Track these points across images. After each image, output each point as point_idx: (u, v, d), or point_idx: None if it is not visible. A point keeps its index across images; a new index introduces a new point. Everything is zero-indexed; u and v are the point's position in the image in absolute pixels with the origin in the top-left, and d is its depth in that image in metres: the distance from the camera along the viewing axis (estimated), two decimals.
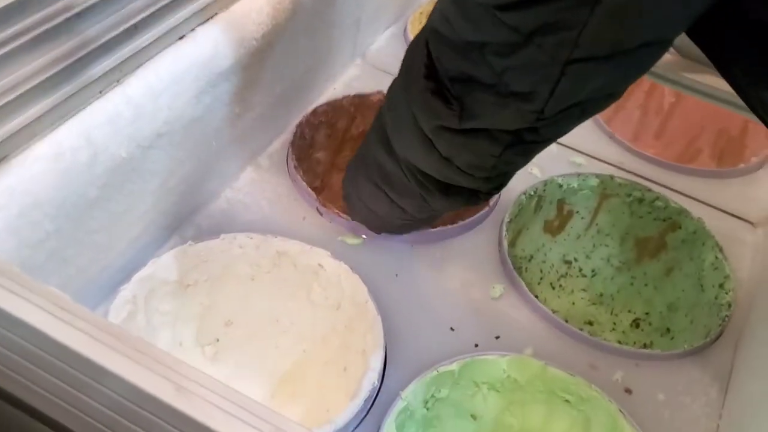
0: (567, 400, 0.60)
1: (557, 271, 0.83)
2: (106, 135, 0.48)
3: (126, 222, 0.56)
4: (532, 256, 0.82)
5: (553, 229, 0.82)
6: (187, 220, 0.65)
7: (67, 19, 0.46)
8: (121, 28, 0.50)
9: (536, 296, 0.80)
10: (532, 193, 0.75)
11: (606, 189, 0.78)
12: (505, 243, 0.70)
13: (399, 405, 0.55)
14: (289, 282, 0.66)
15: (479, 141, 0.46)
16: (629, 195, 0.77)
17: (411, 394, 0.56)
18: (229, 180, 0.69)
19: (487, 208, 0.73)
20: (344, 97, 0.79)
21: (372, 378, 0.56)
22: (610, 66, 0.39)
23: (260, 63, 0.63)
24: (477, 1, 0.40)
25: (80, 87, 0.48)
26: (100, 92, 0.50)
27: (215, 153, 0.64)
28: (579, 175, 0.77)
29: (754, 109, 0.45)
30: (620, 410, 0.57)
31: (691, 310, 0.73)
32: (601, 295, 0.82)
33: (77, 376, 0.29)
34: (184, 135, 0.57)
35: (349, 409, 0.54)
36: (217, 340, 0.67)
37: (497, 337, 0.62)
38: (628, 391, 0.60)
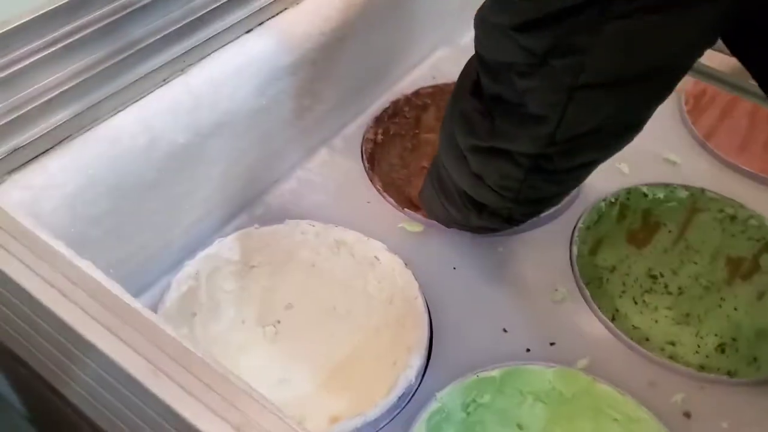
0: (615, 419, 0.57)
1: (641, 286, 0.79)
2: (165, 122, 0.51)
3: (188, 205, 0.59)
4: (614, 267, 0.78)
5: (638, 240, 0.78)
6: (256, 199, 0.68)
7: (132, 12, 0.49)
8: (186, 21, 0.53)
9: (617, 310, 0.77)
10: (613, 200, 0.72)
11: (696, 203, 0.73)
12: (575, 248, 0.67)
13: (433, 406, 0.55)
14: (347, 271, 0.67)
15: (504, 162, 0.47)
16: (721, 211, 0.72)
17: (447, 397, 0.56)
18: (301, 161, 0.71)
19: (565, 202, 0.70)
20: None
21: (409, 375, 0.56)
22: (618, 93, 0.37)
23: (330, 57, 0.64)
24: (493, 23, 0.40)
25: (142, 75, 0.51)
26: (164, 81, 0.53)
27: (284, 142, 0.66)
28: (667, 186, 0.73)
29: None
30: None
31: None
32: (688, 315, 0.77)
33: (67, 346, 0.32)
34: (246, 125, 0.59)
35: (380, 404, 0.54)
36: (278, 322, 0.69)
37: (552, 344, 0.60)
38: (687, 414, 0.57)
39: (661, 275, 0.78)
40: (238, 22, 0.56)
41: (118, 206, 0.51)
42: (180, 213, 0.59)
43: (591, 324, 0.62)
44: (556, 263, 0.66)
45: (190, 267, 0.62)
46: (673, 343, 0.76)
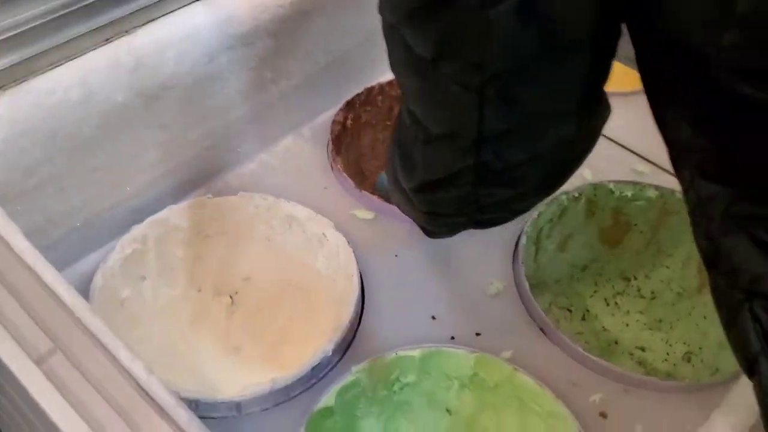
0: (537, 412, 0.55)
1: (614, 287, 0.76)
2: (102, 79, 0.53)
3: (135, 167, 0.61)
4: (586, 266, 0.76)
5: (611, 240, 0.75)
6: (217, 175, 0.69)
7: None
8: None
9: (587, 310, 0.75)
10: (577, 195, 0.70)
11: (666, 204, 0.70)
12: (524, 239, 0.66)
13: (347, 378, 0.55)
14: (300, 247, 0.68)
15: (446, 191, 0.45)
16: None
17: (363, 372, 0.55)
18: (268, 144, 0.72)
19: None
20: None
21: (327, 348, 0.56)
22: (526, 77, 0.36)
23: (293, 31, 0.65)
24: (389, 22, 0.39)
25: (83, 33, 0.53)
26: (106, 40, 0.54)
27: (248, 116, 0.67)
28: (636, 184, 0.70)
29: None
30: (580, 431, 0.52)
31: None
32: (660, 321, 0.74)
33: None
34: (197, 91, 0.60)
35: (293, 373, 0.54)
36: (236, 293, 0.70)
37: (478, 334, 0.59)
38: (603, 415, 0.55)
39: (635, 278, 0.76)
40: None
41: (52, 157, 0.53)
42: (126, 174, 0.61)
43: (522, 319, 0.61)
44: (500, 258, 0.65)
45: (136, 230, 0.63)
46: (642, 349, 0.73)
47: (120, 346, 0.33)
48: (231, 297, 0.70)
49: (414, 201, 0.49)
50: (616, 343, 0.73)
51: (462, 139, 0.39)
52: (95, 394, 0.30)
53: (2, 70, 0.50)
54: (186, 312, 0.68)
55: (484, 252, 0.65)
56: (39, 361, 0.30)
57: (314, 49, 0.68)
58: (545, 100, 0.39)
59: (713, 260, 0.35)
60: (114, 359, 0.32)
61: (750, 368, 0.32)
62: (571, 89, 0.40)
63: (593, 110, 0.43)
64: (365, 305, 0.61)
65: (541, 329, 0.61)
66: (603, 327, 0.75)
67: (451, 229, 0.55)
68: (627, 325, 0.75)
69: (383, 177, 0.71)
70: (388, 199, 0.66)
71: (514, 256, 0.66)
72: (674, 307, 0.74)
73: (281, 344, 0.66)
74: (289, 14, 0.63)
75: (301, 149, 0.73)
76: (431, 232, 0.58)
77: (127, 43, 0.55)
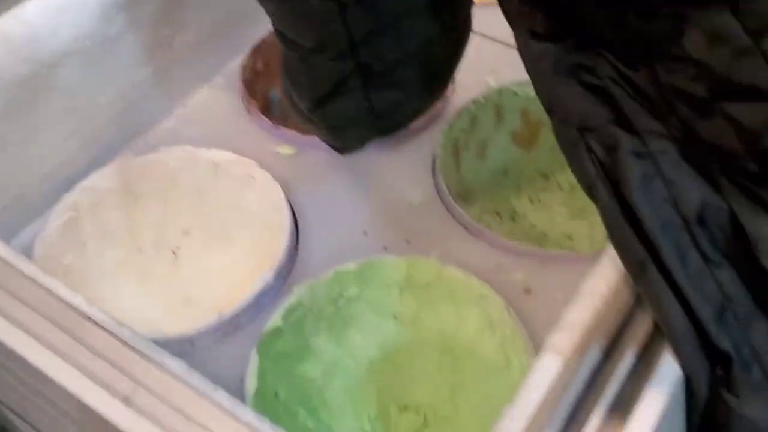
0: (467, 299, 0.60)
1: (535, 185, 0.81)
2: (1, 55, 0.54)
3: (55, 136, 0.62)
4: (506, 171, 0.80)
5: (524, 141, 0.80)
6: (137, 137, 0.71)
7: None
8: None
9: (515, 210, 0.80)
10: (483, 101, 0.74)
11: None
12: (439, 149, 0.69)
13: (289, 300, 0.58)
14: (231, 192, 0.70)
15: (340, 100, 0.48)
16: None
17: (305, 291, 0.59)
18: (181, 98, 0.73)
19: (428, 116, 0.72)
20: None
21: (266, 276, 0.59)
22: None
23: None
24: None
25: None
26: None
27: (156, 74, 0.69)
28: None
29: None
30: (507, 307, 0.56)
31: None
32: (582, 210, 0.79)
33: None
34: (99, 54, 0.61)
35: (237, 304, 0.58)
36: (178, 248, 0.72)
37: (408, 241, 0.63)
38: (527, 291, 0.60)
39: (552, 174, 0.80)
40: None
41: None
42: (47, 144, 0.62)
43: (447, 221, 0.65)
44: (421, 171, 0.69)
45: (68, 198, 0.65)
46: (570, 237, 0.78)
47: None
48: (174, 252, 0.72)
49: (314, 119, 0.52)
50: (545, 235, 0.78)
51: (334, 48, 0.43)
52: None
53: None
54: (131, 272, 0.70)
55: (405, 168, 0.69)
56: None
57: None
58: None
59: (550, 109, 0.39)
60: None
61: (590, 193, 0.37)
62: None
63: (449, 7, 0.47)
64: (299, 233, 0.64)
65: (466, 228, 0.65)
66: (531, 224, 0.80)
67: (359, 141, 0.59)
68: (552, 218, 0.80)
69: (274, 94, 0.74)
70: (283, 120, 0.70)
71: (433, 169, 0.70)
72: None
73: (228, 287, 0.69)
74: None
75: (216, 98, 0.75)
76: (341, 148, 0.61)
77: (16, 15, 0.55)
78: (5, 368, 0.40)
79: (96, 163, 0.68)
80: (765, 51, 0.31)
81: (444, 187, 0.67)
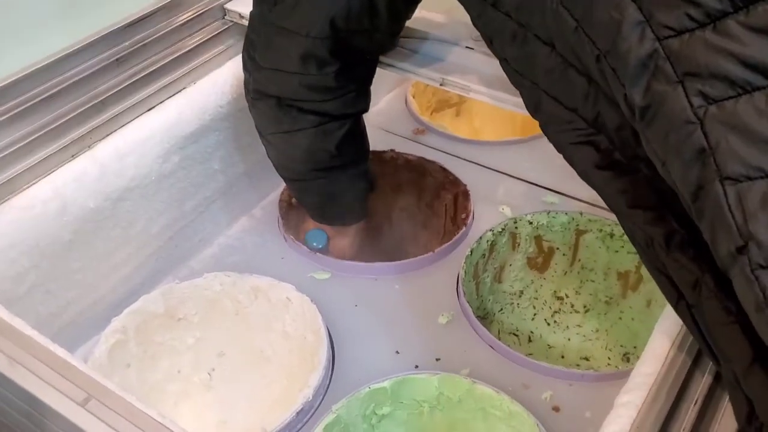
0: (499, 417, 0.63)
1: (550, 307, 0.85)
2: (74, 190, 0.61)
3: (111, 263, 0.67)
4: (522, 292, 0.85)
5: (539, 265, 0.85)
6: (181, 263, 0.76)
7: (44, 99, 0.59)
8: (90, 104, 0.62)
9: (531, 332, 0.84)
10: (501, 230, 0.80)
11: (578, 225, 0.81)
12: (462, 272, 0.74)
13: (328, 417, 0.61)
14: (267, 315, 0.75)
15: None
16: (601, 230, 0.80)
17: (343, 409, 0.62)
18: (223, 228, 0.79)
19: (450, 242, 0.78)
20: None
21: (307, 394, 0.63)
22: None
23: (235, 125, 0.74)
24: None
25: (51, 152, 0.60)
26: (72, 156, 0.62)
27: (203, 203, 0.75)
28: (549, 212, 0.80)
29: None
30: (538, 425, 0.59)
31: None
32: (597, 330, 0.83)
33: None
34: (156, 189, 0.68)
35: (279, 420, 0.61)
36: (213, 370, 0.76)
37: (438, 359, 0.67)
38: (556, 409, 0.63)
39: (567, 296, 0.85)
40: (140, 101, 0.66)
41: (38, 264, 0.60)
42: (104, 271, 0.67)
43: (473, 340, 0.69)
44: (444, 293, 0.74)
45: (116, 322, 0.69)
46: (587, 358, 0.82)
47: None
48: (209, 374, 0.76)
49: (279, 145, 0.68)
50: (563, 357, 0.82)
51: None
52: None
53: None
54: (170, 394, 0.73)
55: (431, 291, 0.74)
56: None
57: (254, 140, 0.77)
58: None
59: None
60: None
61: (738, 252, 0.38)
62: None
63: None
64: (335, 352, 0.68)
65: (491, 347, 0.69)
66: (548, 345, 0.84)
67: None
68: (569, 339, 0.84)
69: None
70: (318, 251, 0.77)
71: (457, 291, 0.75)
72: (606, 315, 0.83)
73: (264, 407, 0.72)
74: (229, 112, 0.72)
75: (254, 227, 0.81)
76: (324, 212, 0.74)
77: (91, 156, 0.62)
78: None
79: (144, 287, 0.72)
80: None
81: (468, 308, 0.72)
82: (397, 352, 0.68)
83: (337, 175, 0.70)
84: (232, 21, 0.73)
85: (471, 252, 0.77)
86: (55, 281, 0.62)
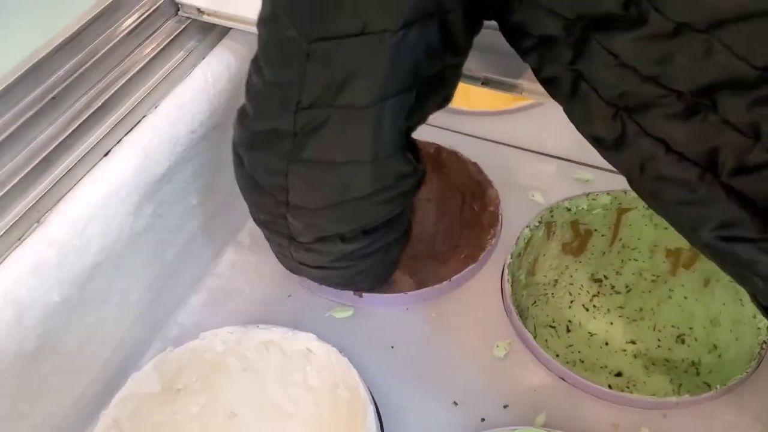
0: None
1: (588, 292, 0.76)
2: (30, 288, 0.46)
3: (89, 351, 0.53)
4: (556, 281, 0.75)
5: (574, 250, 0.75)
6: (168, 321, 0.63)
7: None
8: (29, 166, 0.47)
9: (569, 321, 0.75)
10: (537, 223, 0.69)
11: (621, 204, 0.70)
12: (508, 287, 0.64)
13: None
14: (283, 368, 0.63)
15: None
16: (648, 207, 0.69)
17: None
18: (208, 266, 0.65)
19: (488, 248, 0.66)
20: None
21: None
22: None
23: (211, 148, 0.59)
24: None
25: None
26: (19, 239, 0.47)
27: (184, 247, 0.61)
28: (588, 194, 0.70)
29: None
30: None
31: (735, 325, 0.66)
32: (641, 309, 0.74)
33: None
34: (130, 252, 0.53)
35: None
36: None
37: (506, 406, 0.57)
38: None
39: (605, 277, 0.76)
40: (92, 147, 0.50)
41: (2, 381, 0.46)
42: (83, 362, 0.53)
43: (539, 373, 0.59)
44: (491, 314, 0.63)
45: (107, 417, 0.56)
46: (633, 342, 0.73)
47: None
48: None
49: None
50: (607, 344, 0.73)
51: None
52: None
53: None
54: None
55: (473, 313, 0.63)
56: None
57: (229, 158, 0.62)
58: None
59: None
60: None
61: None
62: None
63: None
64: (379, 410, 0.57)
65: (563, 379, 0.59)
66: (589, 333, 0.74)
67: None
68: (611, 323, 0.75)
69: None
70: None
71: (505, 308, 0.64)
72: (651, 293, 0.74)
73: None
74: (203, 134, 0.57)
75: (245, 260, 0.67)
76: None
77: (43, 236, 0.47)
78: None
79: (131, 361, 0.59)
80: None
81: (526, 333, 0.61)
82: (455, 403, 0.57)
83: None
84: (188, 17, 0.57)
85: (511, 257, 0.66)
86: (26, 400, 0.49)
